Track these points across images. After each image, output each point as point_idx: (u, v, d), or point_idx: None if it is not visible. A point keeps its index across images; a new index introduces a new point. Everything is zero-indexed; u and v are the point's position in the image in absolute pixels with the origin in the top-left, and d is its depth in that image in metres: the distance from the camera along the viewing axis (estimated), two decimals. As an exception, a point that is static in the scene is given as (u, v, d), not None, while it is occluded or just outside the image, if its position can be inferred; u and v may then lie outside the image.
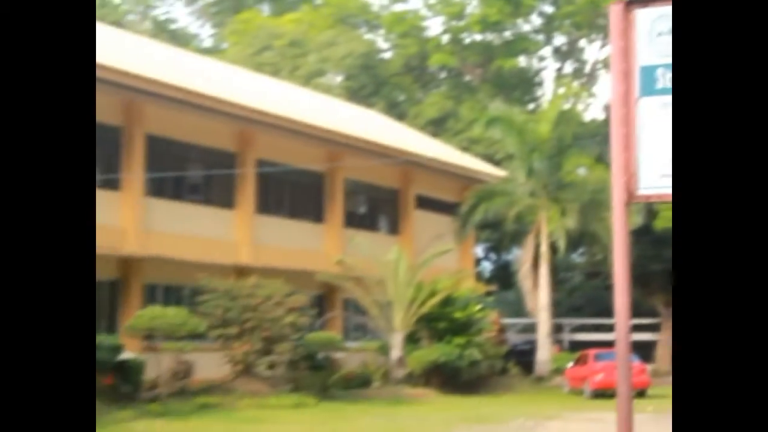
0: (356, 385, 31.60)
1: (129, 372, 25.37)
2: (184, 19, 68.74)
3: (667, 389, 26.31)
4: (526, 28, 60.37)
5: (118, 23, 53.68)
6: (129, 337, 27.17)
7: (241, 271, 31.47)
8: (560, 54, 67.51)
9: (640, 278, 28.57)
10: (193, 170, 32.65)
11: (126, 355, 25.72)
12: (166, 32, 63.41)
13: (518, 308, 43.77)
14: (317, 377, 30.23)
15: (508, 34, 60.99)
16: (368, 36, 64.15)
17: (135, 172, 29.74)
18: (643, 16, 8.36)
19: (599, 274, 50.30)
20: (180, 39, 62.28)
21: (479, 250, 55.68)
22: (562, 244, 38.16)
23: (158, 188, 30.75)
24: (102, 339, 24.99)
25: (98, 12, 55.75)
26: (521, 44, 60.97)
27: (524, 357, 38.47)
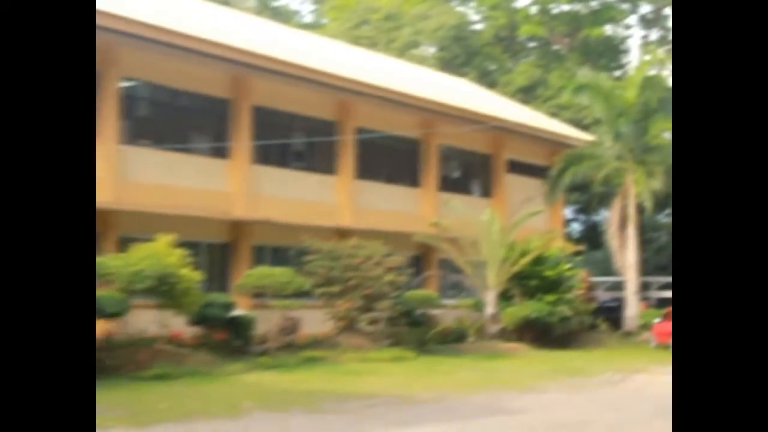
0: (452, 339, 31.73)
1: (240, 327, 25.75)
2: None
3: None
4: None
5: (224, 2, 54.11)
6: (240, 295, 27.57)
7: (343, 233, 31.70)
8: (645, 22, 66.84)
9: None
10: (297, 138, 32.92)
11: (237, 311, 26.09)
12: (268, 9, 63.76)
13: (606, 267, 43.35)
14: (415, 332, 30.38)
15: (594, 3, 60.37)
16: (460, 9, 63.90)
17: (243, 141, 30.10)
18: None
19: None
20: (282, 15, 62.62)
21: (568, 212, 55.30)
22: (648, 205, 37.71)
23: (265, 156, 31.08)
24: (215, 297, 25.54)
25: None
26: (608, 13, 60.36)
27: (612, 313, 38.19)
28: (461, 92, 43.59)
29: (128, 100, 27.68)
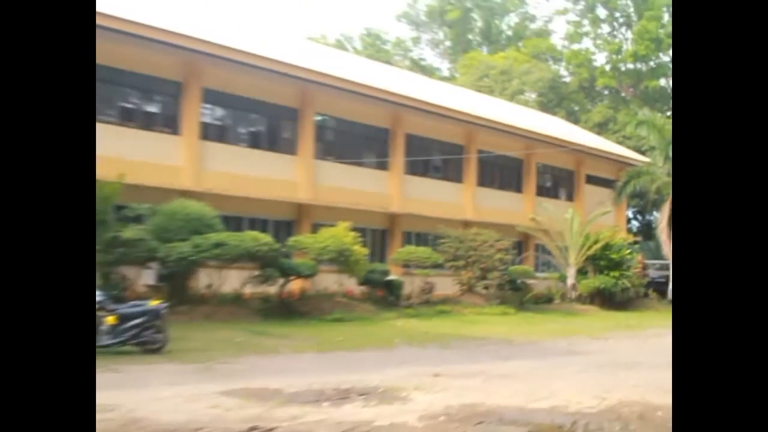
0: (542, 301, 31.56)
1: (393, 288, 26.06)
2: (430, 58, 68.69)
3: None
4: (665, 58, 58.08)
5: (387, 62, 54.85)
6: (393, 265, 27.92)
7: (466, 224, 31.85)
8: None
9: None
10: (435, 156, 33.15)
11: (391, 277, 26.43)
12: (418, 67, 64.14)
13: (656, 253, 42.60)
14: (516, 295, 30.35)
15: (652, 63, 59.09)
16: (554, 66, 63.27)
17: (398, 157, 30.55)
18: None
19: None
20: (427, 71, 62.93)
21: (629, 213, 54.24)
22: (689, 209, 36.97)
23: (413, 169, 31.43)
24: (376, 266, 25.99)
25: (377, 56, 57.09)
26: (662, 70, 58.91)
27: (660, 287, 37.37)
28: (554, 126, 43.25)
29: (320, 129, 28.38)
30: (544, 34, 68.90)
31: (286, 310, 21.46)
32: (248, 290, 21.68)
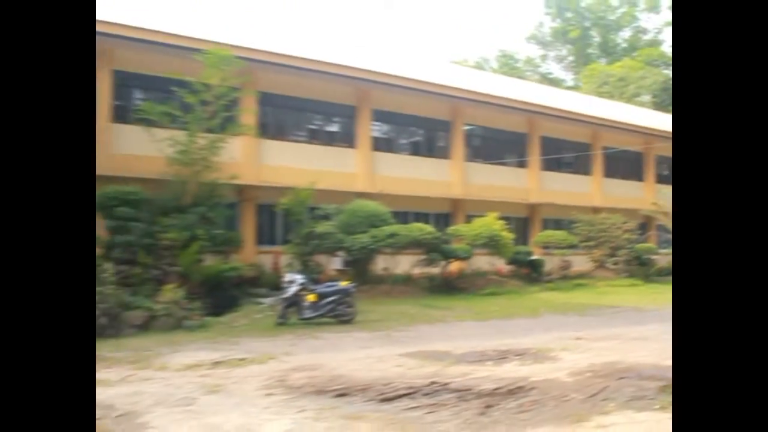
0: (664, 274, 30.21)
1: (536, 266, 25.76)
2: (556, 72, 67.13)
3: None
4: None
5: (520, 77, 54.03)
6: (535, 247, 27.57)
7: (595, 210, 30.92)
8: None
9: None
10: (566, 154, 32.31)
11: (534, 257, 26.15)
12: (546, 80, 62.74)
13: None
14: (642, 269, 29.22)
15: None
16: (665, 71, 60.29)
17: (535, 156, 30.04)
18: None
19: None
20: (554, 83, 61.46)
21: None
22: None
23: (548, 166, 30.84)
24: (521, 248, 25.70)
25: (511, 73, 56.37)
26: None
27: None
28: (668, 123, 41.28)
29: (468, 137, 28.34)
30: (655, 43, 65.87)
31: (447, 287, 21.57)
32: (416, 271, 21.97)
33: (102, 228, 17.09)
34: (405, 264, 21.81)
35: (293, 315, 14.99)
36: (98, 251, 15.82)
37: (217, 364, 10.51)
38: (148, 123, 17.59)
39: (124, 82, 20.00)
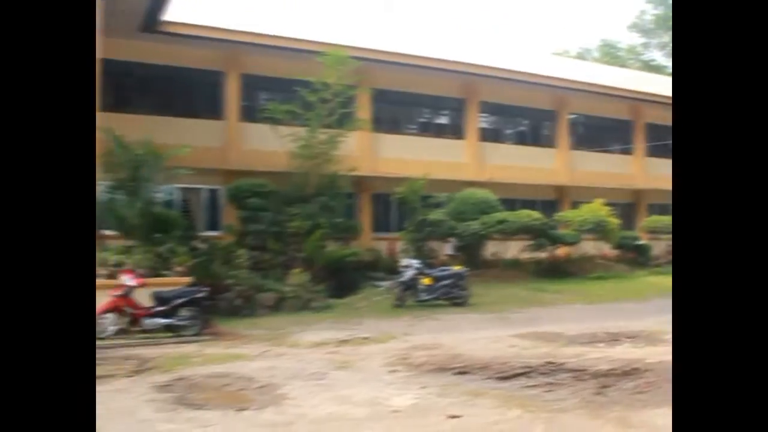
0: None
1: (642, 250, 24.86)
2: (659, 59, 64.26)
3: None
4: None
5: (622, 65, 52.10)
6: (641, 232, 26.60)
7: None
8: None
9: None
10: (671, 140, 30.84)
11: (640, 241, 25.28)
12: (648, 67, 60.14)
13: None
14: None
15: None
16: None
17: (640, 143, 28.95)
18: None
19: None
20: (657, 70, 58.88)
21: None
22: None
23: (653, 152, 29.56)
24: (627, 233, 24.91)
25: (613, 62, 54.40)
26: None
27: None
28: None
29: (573, 125, 27.65)
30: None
31: (555, 271, 21.16)
32: (525, 256, 21.66)
33: (236, 217, 17.83)
34: (513, 249, 21.57)
35: (410, 297, 15.15)
36: (233, 239, 16.51)
37: (343, 342, 10.78)
38: (273, 121, 18.15)
39: (251, 85, 20.72)
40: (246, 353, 9.75)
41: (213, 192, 19.80)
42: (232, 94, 20.20)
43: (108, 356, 9.48)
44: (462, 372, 8.46)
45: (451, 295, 15.16)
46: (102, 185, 14.06)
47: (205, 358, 9.41)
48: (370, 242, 21.07)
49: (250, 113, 20.45)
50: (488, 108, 25.22)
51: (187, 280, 12.29)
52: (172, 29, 18.22)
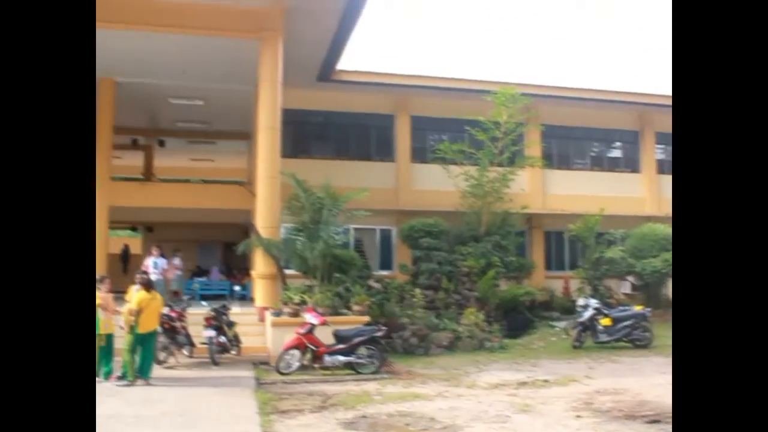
0: None
1: None
2: None
3: None
4: None
5: None
6: None
7: None
8: None
9: None
10: None
11: None
12: None
13: None
14: None
15: None
16: None
17: None
18: None
19: None
20: None
21: None
22: None
23: None
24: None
25: None
26: None
27: None
28: None
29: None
30: None
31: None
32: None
33: (408, 257, 18.12)
34: (699, 288, 20.14)
35: (588, 338, 14.53)
36: (406, 278, 16.75)
37: (522, 384, 10.49)
38: (443, 161, 18.38)
39: (421, 126, 21.16)
40: (425, 393, 9.76)
41: (385, 232, 20.29)
42: (402, 136, 20.75)
43: (293, 391, 9.88)
44: (654, 420, 7.93)
45: (632, 337, 14.35)
46: (286, 227, 14.88)
47: (385, 396, 9.52)
48: (543, 281, 20.55)
49: (420, 154, 20.87)
50: (665, 139, 23.90)
51: (364, 318, 12.57)
52: (345, 77, 19.14)
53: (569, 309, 17.13)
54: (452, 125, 20.24)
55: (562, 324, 16.18)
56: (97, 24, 14.64)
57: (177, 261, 19.78)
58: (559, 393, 9.74)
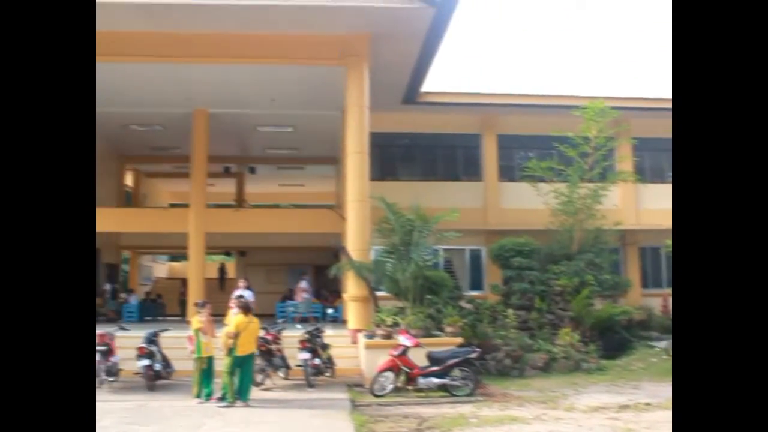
0: None
1: None
2: None
3: None
4: None
5: None
6: None
7: None
8: None
9: None
10: None
11: None
12: None
13: None
14: None
15: None
16: None
17: None
18: None
19: None
20: None
21: None
22: None
23: None
24: None
25: None
26: None
27: None
28: None
29: None
30: None
31: None
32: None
33: (499, 277, 17.89)
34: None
35: (691, 359, 13.88)
36: (497, 298, 16.53)
37: (623, 407, 10.14)
38: (531, 179, 18.13)
39: (507, 144, 20.97)
40: (522, 416, 9.56)
41: (475, 252, 20.13)
42: (489, 154, 20.63)
43: (389, 413, 9.88)
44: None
45: (741, 357, 13.65)
46: (376, 249, 14.99)
47: (482, 419, 9.39)
48: (639, 299, 19.86)
49: (508, 172, 20.67)
50: None
51: (457, 340, 12.47)
52: (431, 99, 19.24)
53: (669, 328, 16.45)
54: (539, 142, 19.97)
55: (662, 344, 15.55)
56: (191, 59, 15.28)
57: (304, 284, 20.11)
58: (663, 417, 9.35)
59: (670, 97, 20.82)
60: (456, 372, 11.35)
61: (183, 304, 27.34)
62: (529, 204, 18.73)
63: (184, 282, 29.60)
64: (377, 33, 14.62)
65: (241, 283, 16.83)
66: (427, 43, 15.09)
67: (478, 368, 11.92)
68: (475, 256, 20.16)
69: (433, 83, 18.64)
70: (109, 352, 12.02)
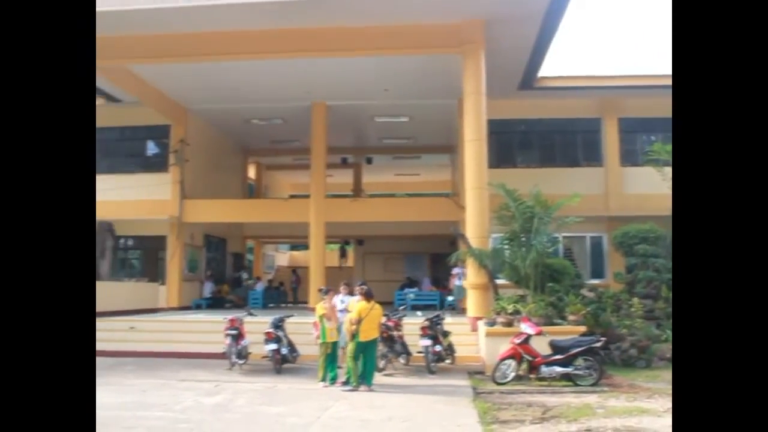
0: None
1: None
2: None
3: None
4: None
5: None
6: None
7: None
8: None
9: None
10: None
11: None
12: None
13: None
14: None
15: None
16: None
17: None
18: None
19: None
20: None
21: None
22: None
23: None
24: None
25: None
26: None
27: None
28: None
29: None
30: None
31: None
32: None
33: (622, 264, 17.30)
34: None
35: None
36: (621, 286, 15.98)
37: (762, 401, 9.56)
38: (656, 163, 17.37)
39: (629, 128, 20.20)
40: (652, 408, 9.22)
41: (596, 239, 19.55)
42: (610, 139, 19.96)
43: (511, 401, 9.79)
44: None
45: None
46: (496, 237, 14.86)
47: (609, 410, 9.13)
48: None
49: (631, 157, 19.92)
50: None
51: (580, 329, 12.17)
52: (548, 83, 18.81)
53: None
54: (664, 125, 19.08)
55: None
56: (310, 54, 15.61)
57: (456, 270, 19.06)
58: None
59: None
60: (579, 361, 11.09)
61: (294, 291, 28.55)
62: (654, 189, 17.91)
63: (294, 271, 30.77)
64: (493, 18, 14.44)
65: (342, 289, 14.52)
66: (544, 25, 14.75)
67: (603, 358, 11.59)
68: (596, 244, 19.57)
69: (550, 68, 18.24)
70: (239, 336, 12.63)
